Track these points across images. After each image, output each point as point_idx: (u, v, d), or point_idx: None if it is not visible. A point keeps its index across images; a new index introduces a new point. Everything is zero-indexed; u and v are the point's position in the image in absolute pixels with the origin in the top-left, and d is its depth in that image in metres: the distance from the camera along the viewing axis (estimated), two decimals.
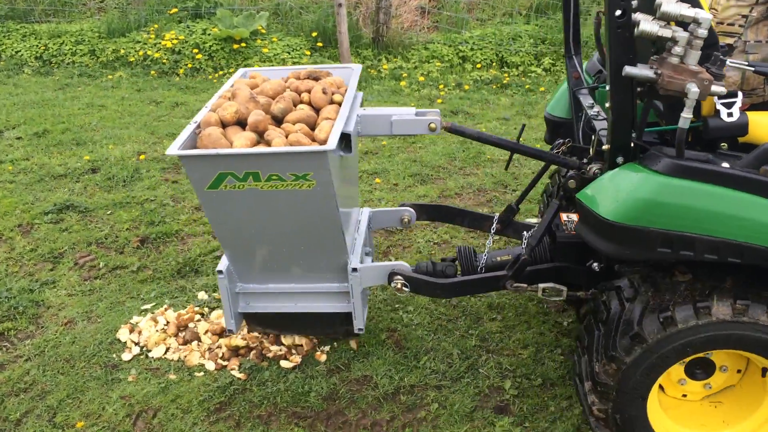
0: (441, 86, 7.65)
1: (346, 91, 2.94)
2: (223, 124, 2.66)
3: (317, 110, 2.82)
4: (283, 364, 3.31)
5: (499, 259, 3.11)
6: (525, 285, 2.90)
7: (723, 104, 2.37)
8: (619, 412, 2.48)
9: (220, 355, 3.36)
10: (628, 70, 2.19)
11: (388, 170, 5.39)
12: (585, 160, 2.81)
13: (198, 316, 3.60)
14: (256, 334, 3.44)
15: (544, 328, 3.57)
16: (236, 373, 3.25)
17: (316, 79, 3.01)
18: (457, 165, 5.51)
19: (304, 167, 2.51)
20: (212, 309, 3.73)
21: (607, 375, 2.44)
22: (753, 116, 2.39)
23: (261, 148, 2.54)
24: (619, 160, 2.43)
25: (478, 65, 8.12)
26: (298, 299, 3.04)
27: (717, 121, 2.38)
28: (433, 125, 2.94)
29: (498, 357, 3.36)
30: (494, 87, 7.68)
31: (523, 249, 3.02)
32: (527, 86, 7.67)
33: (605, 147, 2.49)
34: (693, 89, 2.11)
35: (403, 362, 3.32)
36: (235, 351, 3.37)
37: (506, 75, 7.94)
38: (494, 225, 3.33)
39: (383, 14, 8.28)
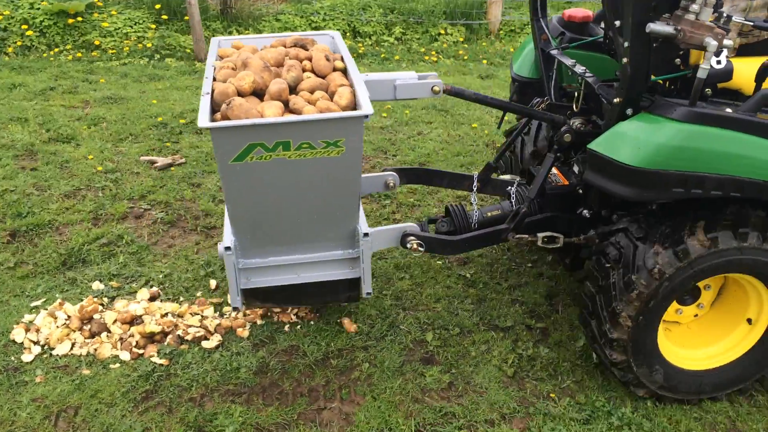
0: None
1: (341, 57, 2.89)
2: (240, 94, 2.55)
3: (321, 77, 2.75)
4: (205, 344, 3.22)
5: (489, 214, 3.24)
6: (526, 236, 3.07)
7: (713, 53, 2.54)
8: (636, 341, 2.77)
9: (134, 343, 3.20)
10: (653, 26, 2.38)
11: None
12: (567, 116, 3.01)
13: (100, 307, 3.39)
14: (170, 318, 3.31)
15: (450, 281, 3.76)
16: (156, 360, 3.12)
17: (303, 47, 2.92)
18: None
19: (337, 134, 2.48)
20: (112, 298, 3.52)
21: (628, 307, 2.68)
22: (735, 63, 2.66)
23: (305, 116, 2.47)
24: (629, 111, 2.63)
25: None
26: (301, 270, 2.97)
27: (703, 69, 2.48)
28: (436, 88, 2.96)
29: (415, 313, 3.50)
30: (353, 56, 7.76)
31: (511, 203, 3.23)
32: (383, 55, 7.83)
33: (616, 100, 2.64)
34: (712, 42, 2.34)
35: (327, 328, 3.36)
36: (150, 338, 3.23)
37: (360, 45, 8.04)
38: (475, 183, 3.38)
39: None
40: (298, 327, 3.37)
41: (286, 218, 2.78)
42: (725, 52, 2.67)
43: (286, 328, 3.35)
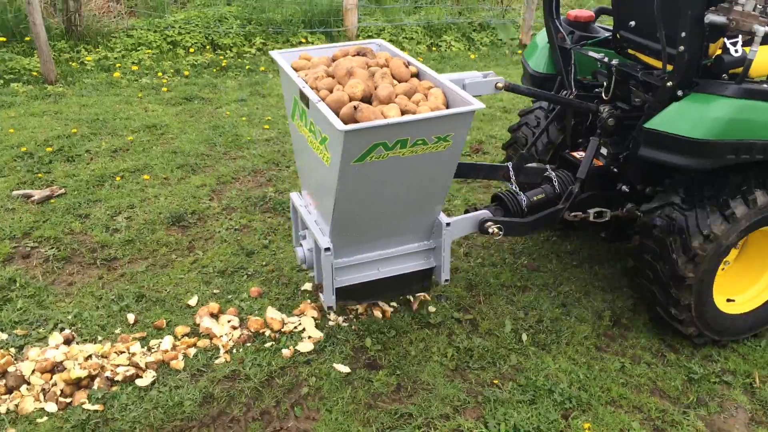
0: (159, 74, 7.29)
1: (407, 62, 3.07)
2: (351, 101, 2.68)
3: (402, 82, 2.92)
4: (139, 382, 3.04)
5: (535, 198, 3.49)
6: (580, 213, 3.45)
7: (731, 43, 3.02)
8: (698, 298, 3.20)
9: (59, 392, 2.94)
10: (711, 17, 2.83)
11: (152, 165, 5.06)
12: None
13: (12, 359, 3.08)
14: (95, 360, 3.08)
15: None
16: (89, 406, 2.89)
17: (363, 54, 3.09)
18: (220, 150, 5.39)
19: (449, 128, 2.67)
20: (20, 347, 3.21)
21: (689, 270, 3.11)
22: (747, 50, 3.01)
23: (428, 113, 2.63)
24: (680, 93, 3.04)
25: (191, 49, 7.90)
26: (381, 265, 3.13)
27: (728, 57, 3.02)
28: (499, 84, 3.25)
29: (348, 320, 3.51)
30: (214, 70, 7.56)
31: (553, 187, 3.54)
32: (247, 67, 7.70)
33: (669, 83, 3.03)
34: (760, 28, 2.79)
35: (264, 348, 3.29)
36: (76, 384, 2.99)
37: (222, 57, 7.86)
38: (511, 173, 3.58)
39: (73, 1, 7.52)
40: (234, 351, 3.27)
41: (385, 214, 2.95)
42: (740, 42, 3.07)
43: (222, 353, 3.24)
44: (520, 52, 8.61)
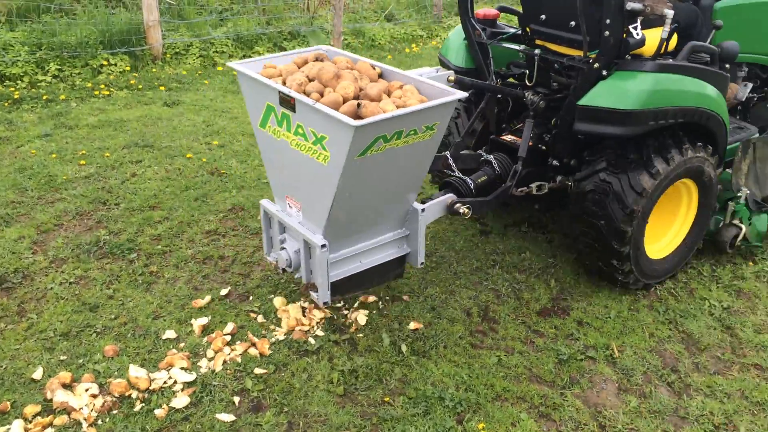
0: None
1: (373, 65, 3.37)
2: (344, 101, 2.90)
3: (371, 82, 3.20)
4: None
5: (480, 180, 3.83)
6: (525, 188, 3.81)
7: (632, 28, 3.47)
8: (635, 249, 3.68)
9: None
10: (631, 5, 3.32)
11: None
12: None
13: None
14: None
15: (242, 319, 3.61)
16: None
17: (321, 59, 3.35)
18: (33, 195, 4.82)
19: (437, 117, 2.95)
20: None
21: (628, 225, 3.55)
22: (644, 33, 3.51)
23: (424, 104, 2.90)
24: (604, 73, 3.48)
25: None
26: (363, 257, 3.32)
27: (632, 39, 3.47)
28: (451, 78, 3.80)
29: (224, 382, 3.28)
30: (6, 104, 6.76)
31: (493, 169, 3.90)
32: (45, 97, 6.98)
33: (596, 65, 3.47)
34: (669, 12, 3.37)
35: (134, 413, 2.98)
36: None
37: (13, 89, 7.06)
38: (451, 161, 3.85)
39: None
40: (99, 422, 2.92)
41: (372, 206, 3.15)
42: (639, 26, 3.49)
43: (86, 428, 2.88)
44: None
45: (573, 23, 3.71)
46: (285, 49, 8.80)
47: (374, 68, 3.33)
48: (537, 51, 3.97)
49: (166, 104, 6.86)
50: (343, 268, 3.27)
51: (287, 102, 2.95)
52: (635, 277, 3.81)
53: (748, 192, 4.21)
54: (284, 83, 3.11)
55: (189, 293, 3.83)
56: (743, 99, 4.40)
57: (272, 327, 3.57)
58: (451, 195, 3.57)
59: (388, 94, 3.09)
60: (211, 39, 8.50)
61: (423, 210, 3.36)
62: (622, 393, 3.25)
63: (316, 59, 3.32)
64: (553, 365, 3.40)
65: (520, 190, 3.83)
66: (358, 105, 2.84)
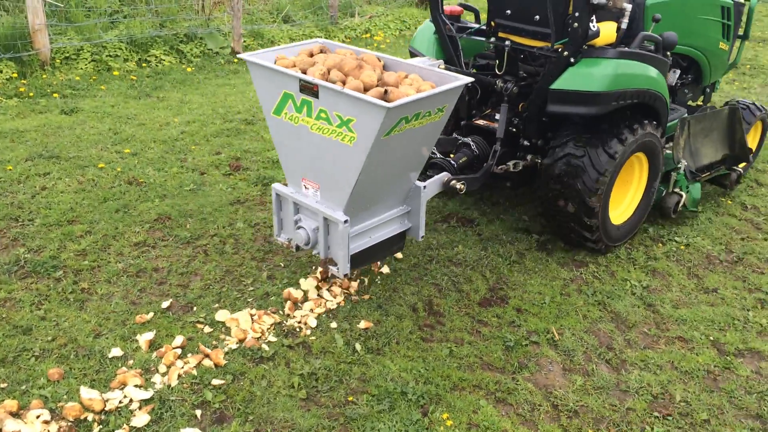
0: None
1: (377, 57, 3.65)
2: (366, 88, 3.23)
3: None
4: None
5: (461, 161, 4.23)
6: (503, 166, 4.26)
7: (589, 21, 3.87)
8: (603, 215, 4.21)
9: None
10: (597, 0, 3.72)
11: None
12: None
13: None
14: None
15: (189, 331, 3.52)
16: None
17: (324, 51, 3.71)
18: None
19: (447, 100, 3.31)
20: None
21: (595, 196, 4.06)
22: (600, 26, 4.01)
23: (443, 87, 3.25)
24: (572, 60, 3.92)
25: None
26: (372, 233, 3.64)
27: (590, 31, 3.87)
28: (441, 66, 4.09)
29: (183, 396, 3.20)
30: None
31: (471, 150, 4.32)
32: None
33: (566, 53, 3.92)
34: (627, 6, 3.99)
35: None
36: None
37: None
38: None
39: None
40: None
41: (385, 183, 3.47)
42: (594, 21, 3.93)
43: None
44: (236, 60, 8.51)
45: (537, 17, 4.18)
46: (183, 52, 8.56)
47: (379, 60, 3.62)
48: (507, 43, 4.34)
49: (64, 112, 6.49)
50: (357, 242, 3.56)
51: (309, 89, 3.21)
52: (603, 243, 4.36)
53: (686, 164, 4.75)
54: (304, 72, 3.36)
55: (127, 308, 3.68)
56: (673, 83, 4.96)
57: (222, 337, 3.51)
58: (446, 173, 3.92)
59: (400, 81, 3.42)
60: (103, 42, 8.11)
61: (425, 187, 3.72)
62: (567, 373, 3.45)
63: (321, 51, 3.69)
64: (502, 352, 3.55)
65: (500, 167, 4.27)
66: (386, 91, 3.17)
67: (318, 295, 3.87)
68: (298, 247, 3.67)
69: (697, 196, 4.92)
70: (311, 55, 3.63)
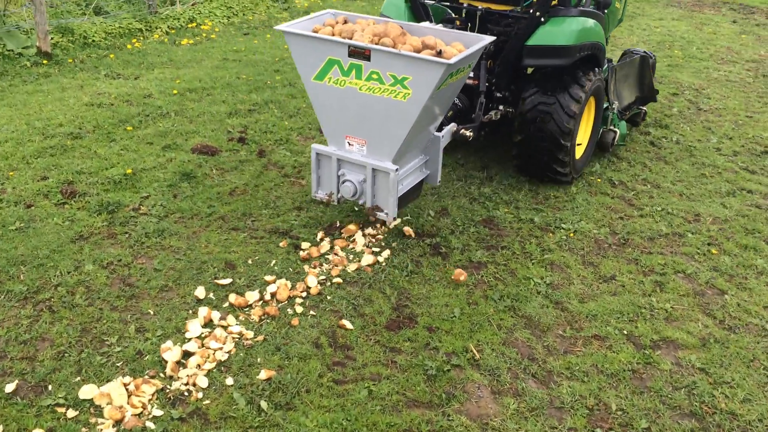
0: None
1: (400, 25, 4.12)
2: (415, 51, 3.76)
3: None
4: None
5: (449, 114, 4.69)
6: (488, 115, 4.87)
7: None
8: (573, 153, 4.96)
9: None
10: None
11: None
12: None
13: None
14: None
15: (47, 419, 2.79)
16: None
17: (347, 21, 4.17)
18: None
19: (474, 58, 3.88)
20: None
21: (567, 136, 4.75)
22: None
23: (478, 44, 3.86)
24: (542, 19, 4.58)
25: None
26: (404, 180, 4.10)
27: None
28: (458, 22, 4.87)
29: None
30: None
31: (456, 104, 4.85)
32: None
33: (538, 14, 4.57)
34: None
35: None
36: None
37: None
38: None
39: None
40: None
41: (421, 134, 3.99)
42: None
43: None
44: (45, 61, 7.36)
45: None
46: None
47: (401, 27, 4.03)
48: (480, 6, 4.93)
49: None
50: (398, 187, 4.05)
51: (361, 54, 3.68)
52: (572, 175, 5.05)
53: (617, 104, 5.55)
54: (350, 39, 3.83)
55: None
56: None
57: (93, 420, 2.83)
58: (454, 123, 4.47)
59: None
60: None
61: (442, 136, 4.25)
62: (498, 396, 3.17)
63: (345, 21, 4.14)
64: (425, 383, 3.20)
65: (486, 117, 4.83)
66: (439, 52, 3.70)
67: (202, 337, 3.28)
68: (339, 201, 4.21)
69: (624, 132, 5.79)
70: (336, 25, 4.08)
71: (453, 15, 5.05)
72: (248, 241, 4.24)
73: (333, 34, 3.92)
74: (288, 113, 6.26)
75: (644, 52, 6.32)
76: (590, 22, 4.73)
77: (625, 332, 3.63)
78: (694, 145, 6.17)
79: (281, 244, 4.20)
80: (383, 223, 4.42)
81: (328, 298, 3.74)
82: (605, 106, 5.48)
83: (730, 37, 10.46)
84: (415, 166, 4.21)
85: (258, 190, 4.87)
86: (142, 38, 8.69)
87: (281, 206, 4.66)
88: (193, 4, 9.95)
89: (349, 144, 4.04)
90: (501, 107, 4.98)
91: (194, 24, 9.48)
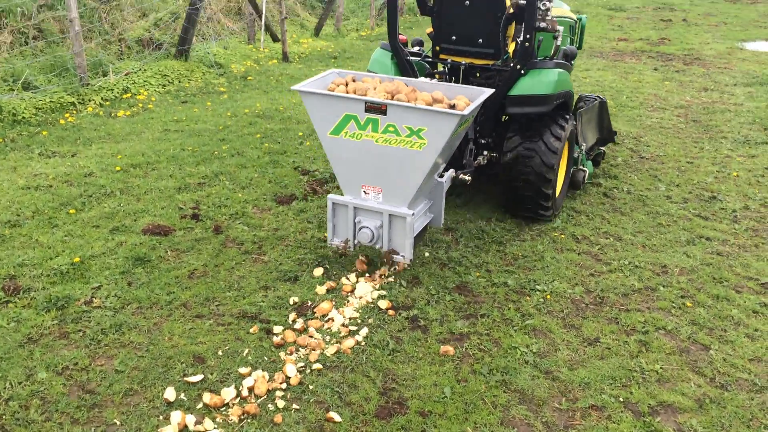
0: None
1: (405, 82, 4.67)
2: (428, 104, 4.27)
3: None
4: None
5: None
6: (478, 160, 5.34)
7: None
8: (555, 193, 5.41)
9: None
10: (541, 24, 4.99)
11: None
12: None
13: None
14: None
15: None
16: None
17: (355, 80, 4.65)
18: None
19: (477, 110, 4.40)
20: None
21: (551, 179, 5.16)
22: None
23: (482, 96, 4.40)
24: (523, 71, 5.00)
25: None
26: (416, 223, 4.45)
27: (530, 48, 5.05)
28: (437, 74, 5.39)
29: None
30: None
31: (470, 147, 5.30)
32: None
33: (518, 66, 5.01)
34: (559, 28, 5.21)
35: None
36: None
37: None
38: None
39: None
40: None
41: (431, 180, 4.44)
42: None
43: None
44: None
45: (481, 40, 5.25)
46: None
47: (407, 85, 4.51)
48: (464, 62, 5.38)
49: None
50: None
51: (377, 109, 4.09)
52: (552, 212, 5.45)
53: (585, 145, 6.04)
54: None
55: None
56: None
57: None
58: (452, 169, 4.82)
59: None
60: None
61: (445, 181, 4.61)
62: None
63: (353, 80, 4.60)
64: None
65: (476, 162, 5.29)
66: (452, 106, 4.19)
67: None
68: (355, 246, 4.50)
69: (591, 171, 6.33)
70: (345, 84, 4.52)
71: (433, 70, 5.57)
72: (215, 329, 3.96)
73: (347, 92, 4.35)
74: (240, 184, 6.04)
75: (597, 96, 6.75)
76: (564, 73, 5.16)
77: (621, 399, 3.52)
78: (645, 194, 6.27)
79: (252, 330, 3.94)
80: (361, 296, 4.25)
81: (311, 387, 3.49)
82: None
83: (654, 85, 10.89)
84: (422, 210, 4.54)
85: (219, 270, 4.60)
86: (75, 112, 8.34)
87: (246, 287, 4.41)
88: (126, 74, 9.66)
89: (365, 193, 4.37)
90: (485, 153, 5.39)
91: (129, 94, 9.18)
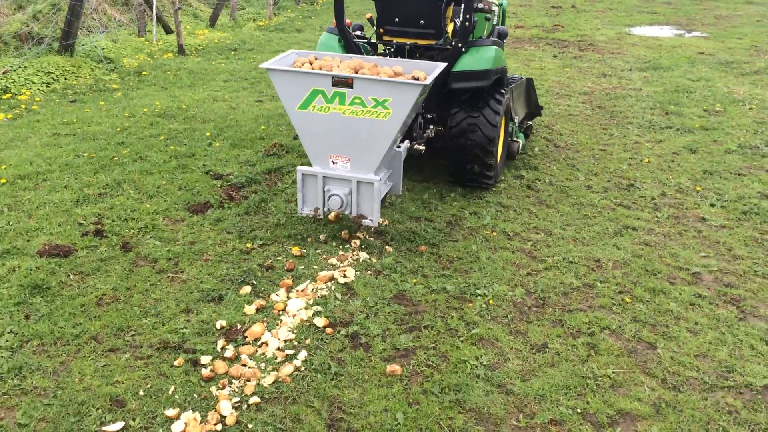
0: None
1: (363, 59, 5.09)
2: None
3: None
4: None
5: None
6: (427, 132, 5.86)
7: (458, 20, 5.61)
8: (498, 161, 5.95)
9: None
10: (478, 5, 5.59)
11: None
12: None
13: None
14: None
15: None
16: None
17: (317, 58, 4.98)
18: None
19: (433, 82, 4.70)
20: None
21: (494, 145, 5.61)
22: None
23: (438, 68, 4.86)
24: (464, 50, 5.46)
25: None
26: (384, 188, 4.90)
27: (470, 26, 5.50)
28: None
29: None
30: None
31: (419, 121, 5.81)
32: None
33: (460, 45, 5.45)
34: (495, 8, 6.36)
35: None
36: None
37: None
38: None
39: None
40: None
41: (392, 149, 4.76)
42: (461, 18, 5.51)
43: None
44: None
45: (423, 21, 5.64)
46: None
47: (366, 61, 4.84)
48: (408, 43, 5.74)
49: None
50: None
51: (344, 83, 4.38)
52: (495, 180, 5.91)
53: (518, 118, 6.54)
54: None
55: None
56: None
57: None
58: (407, 140, 5.28)
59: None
60: None
61: (402, 150, 4.97)
62: None
63: (316, 58, 4.94)
64: None
65: (425, 134, 5.70)
66: (415, 78, 4.51)
67: None
68: (325, 213, 4.82)
69: (524, 142, 6.86)
70: (308, 62, 4.86)
71: (378, 51, 6.00)
72: (133, 364, 3.52)
73: (320, 68, 4.65)
74: (147, 193, 5.51)
75: (521, 77, 7.20)
76: (499, 50, 5.64)
77: (579, 411, 3.37)
78: (566, 185, 6.24)
79: (176, 363, 3.52)
80: (294, 314, 3.91)
81: (249, 426, 3.14)
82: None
83: (556, 72, 11.05)
84: (384, 179, 4.83)
85: (131, 294, 4.13)
86: None
87: (164, 311, 3.97)
88: (4, 72, 8.75)
89: (333, 162, 4.69)
90: (431, 126, 5.82)
91: (9, 95, 8.32)
